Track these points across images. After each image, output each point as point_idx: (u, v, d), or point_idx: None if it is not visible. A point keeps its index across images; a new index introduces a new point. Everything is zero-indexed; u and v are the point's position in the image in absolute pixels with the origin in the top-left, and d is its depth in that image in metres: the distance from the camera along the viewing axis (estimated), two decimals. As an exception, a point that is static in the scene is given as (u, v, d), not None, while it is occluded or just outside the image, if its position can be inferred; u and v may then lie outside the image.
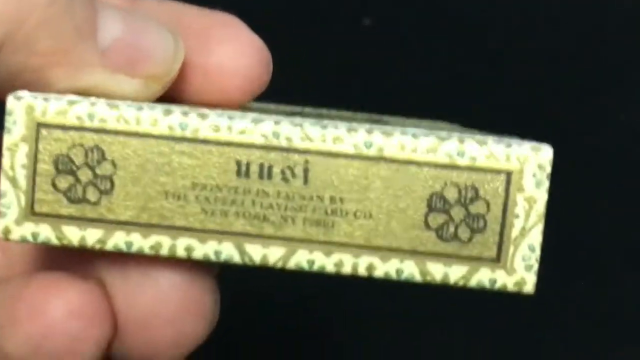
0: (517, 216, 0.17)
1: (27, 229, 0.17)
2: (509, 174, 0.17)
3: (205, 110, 0.17)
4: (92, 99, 0.17)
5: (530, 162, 0.17)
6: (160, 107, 0.17)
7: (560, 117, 0.41)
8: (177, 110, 0.17)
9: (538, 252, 0.17)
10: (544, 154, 0.17)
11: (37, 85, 0.19)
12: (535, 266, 0.17)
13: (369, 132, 0.17)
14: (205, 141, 0.17)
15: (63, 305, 0.18)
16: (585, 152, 0.41)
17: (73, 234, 0.17)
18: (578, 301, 0.43)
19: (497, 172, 0.17)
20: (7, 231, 0.17)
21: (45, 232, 0.17)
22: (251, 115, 0.17)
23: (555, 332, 0.42)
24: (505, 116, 0.38)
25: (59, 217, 0.17)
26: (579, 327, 0.42)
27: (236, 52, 0.20)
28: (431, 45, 0.42)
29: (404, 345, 0.42)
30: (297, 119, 0.17)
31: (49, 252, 0.20)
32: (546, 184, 0.17)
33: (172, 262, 0.18)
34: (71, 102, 0.17)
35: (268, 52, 0.21)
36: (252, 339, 0.41)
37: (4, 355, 0.18)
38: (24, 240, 0.17)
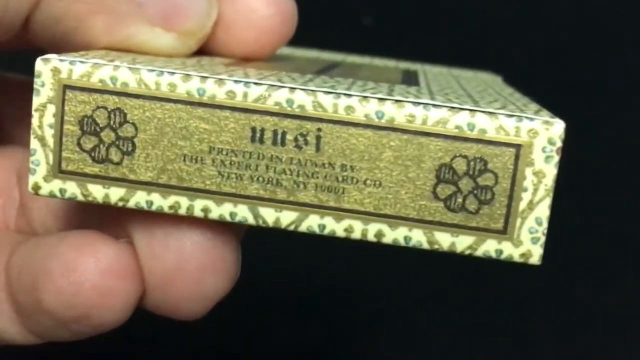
0: (525, 189, 0.17)
1: (55, 186, 0.18)
2: (518, 148, 0.17)
3: (224, 75, 0.17)
4: (116, 62, 0.18)
5: (540, 136, 0.17)
6: (179, 73, 0.17)
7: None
8: (195, 75, 0.17)
9: (545, 225, 0.17)
10: (555, 128, 0.17)
11: (76, 35, 0.19)
12: (542, 239, 0.17)
13: (381, 102, 0.17)
14: (221, 107, 0.17)
15: (94, 263, 0.18)
16: (587, 150, 0.41)
17: (97, 192, 0.18)
18: (580, 301, 0.43)
19: (507, 145, 0.17)
20: (36, 187, 0.18)
21: (72, 189, 0.18)
22: (269, 80, 0.17)
23: (555, 332, 0.42)
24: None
25: (85, 175, 0.18)
26: (579, 327, 0.42)
27: (254, 3, 0.20)
28: (431, 45, 0.42)
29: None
30: (312, 86, 0.17)
31: (82, 210, 0.21)
32: (556, 158, 0.17)
33: (194, 221, 0.19)
34: (95, 66, 0.17)
35: (291, 4, 0.21)
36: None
37: (42, 308, 0.19)
38: (52, 196, 0.18)
